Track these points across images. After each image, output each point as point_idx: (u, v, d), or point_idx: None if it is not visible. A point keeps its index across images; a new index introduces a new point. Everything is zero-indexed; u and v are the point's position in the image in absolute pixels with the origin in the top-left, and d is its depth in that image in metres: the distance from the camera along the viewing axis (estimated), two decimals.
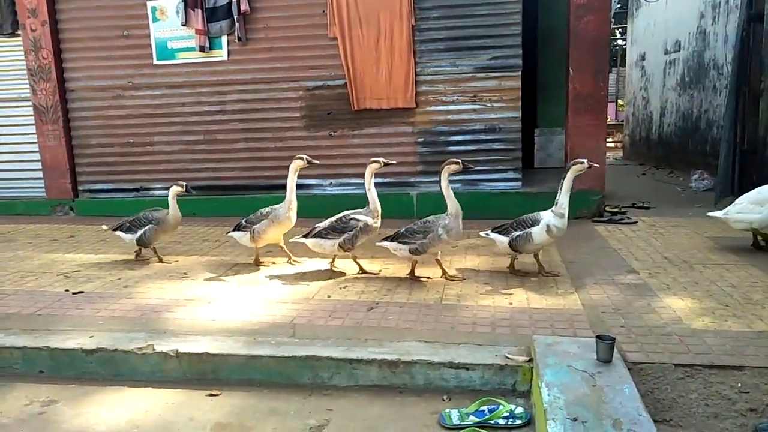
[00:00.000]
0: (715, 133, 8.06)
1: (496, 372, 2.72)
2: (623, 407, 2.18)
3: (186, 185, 4.48)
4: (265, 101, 6.28)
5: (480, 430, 2.38)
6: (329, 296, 3.67)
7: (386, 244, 4.02)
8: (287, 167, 6.27)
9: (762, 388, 2.48)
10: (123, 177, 6.71)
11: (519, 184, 6.01)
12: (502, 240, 3.95)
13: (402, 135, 6.07)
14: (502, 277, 3.98)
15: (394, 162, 4.44)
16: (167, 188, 4.58)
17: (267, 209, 4.35)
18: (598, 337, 2.58)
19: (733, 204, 4.44)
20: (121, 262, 4.66)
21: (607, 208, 5.99)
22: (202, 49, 6.22)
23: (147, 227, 4.44)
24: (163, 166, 6.58)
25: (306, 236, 4.15)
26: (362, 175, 6.09)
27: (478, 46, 5.78)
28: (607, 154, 12.59)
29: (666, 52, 10.15)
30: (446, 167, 3.88)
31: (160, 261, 4.59)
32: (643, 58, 11.57)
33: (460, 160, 3.92)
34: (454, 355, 2.79)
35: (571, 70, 5.61)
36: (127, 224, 4.53)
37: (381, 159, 4.17)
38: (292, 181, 4.29)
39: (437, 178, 5.99)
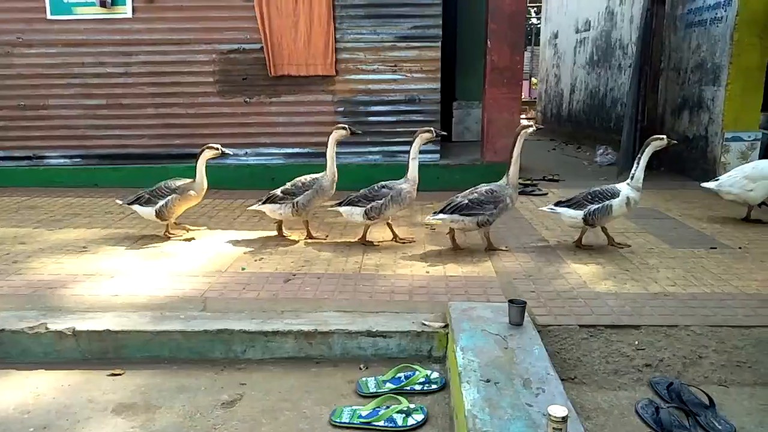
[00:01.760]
0: (619, 110, 8.50)
1: (413, 339, 2.74)
2: (533, 367, 2.26)
3: (220, 148, 4.09)
4: (175, 64, 5.91)
5: (396, 396, 2.39)
6: (244, 268, 3.54)
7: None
8: (200, 134, 6.04)
9: (656, 345, 2.66)
10: (13, 143, 6.11)
11: (437, 156, 6.07)
12: (575, 214, 3.78)
13: (322, 103, 5.93)
14: (420, 247, 4.01)
15: (444, 133, 4.51)
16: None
17: (306, 178, 4.08)
18: (510, 301, 2.65)
19: (726, 176, 4.62)
20: (10, 237, 4.26)
21: (520, 181, 6.17)
22: (103, 4, 5.73)
23: (169, 197, 3.99)
24: (60, 132, 6.05)
25: (340, 204, 3.97)
26: (281, 144, 6.00)
27: (399, 15, 5.71)
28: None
29: (577, 31, 10.55)
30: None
31: (187, 230, 4.29)
32: (556, 36, 11.96)
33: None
34: (372, 324, 2.78)
35: (488, 43, 5.68)
36: (147, 196, 4.06)
37: (433, 129, 3.98)
38: (332, 150, 4.08)
39: (357, 149, 6.03)
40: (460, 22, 7.71)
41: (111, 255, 3.80)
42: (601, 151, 8.05)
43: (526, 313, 2.68)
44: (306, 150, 5.91)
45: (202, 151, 4.09)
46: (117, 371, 2.62)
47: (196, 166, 4.08)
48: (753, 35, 5.86)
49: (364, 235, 4.04)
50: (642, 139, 6.89)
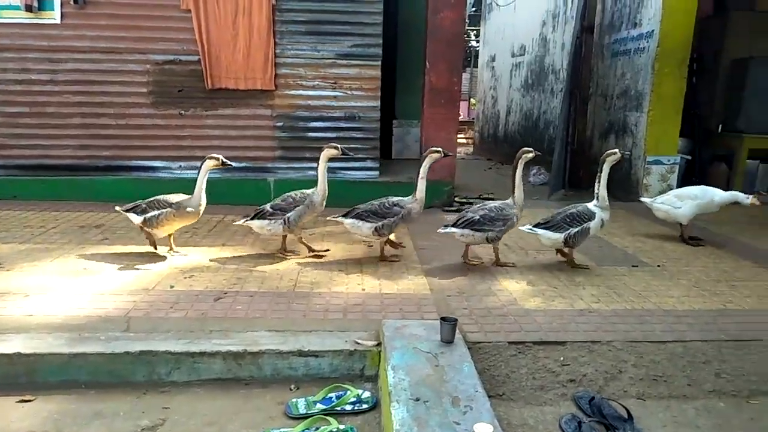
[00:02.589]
0: (551, 132, 8.86)
1: (346, 358, 2.72)
2: (462, 385, 2.28)
3: (221, 158, 3.88)
4: (105, 73, 5.68)
5: (326, 417, 2.36)
6: (172, 286, 3.41)
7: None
8: (131, 146, 5.82)
9: (580, 360, 2.75)
10: None
11: (377, 173, 6.10)
12: (555, 236, 3.86)
13: (260, 118, 5.85)
14: (356, 264, 4.00)
15: (451, 153, 4.56)
16: None
17: (297, 194, 4.00)
18: (442, 319, 2.68)
19: (663, 194, 4.90)
20: None
21: (456, 199, 6.31)
22: (28, 8, 5.46)
23: (164, 210, 3.81)
24: None
25: (345, 216, 3.93)
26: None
27: (339, 32, 5.74)
28: (459, 149, 13.41)
29: (513, 55, 10.95)
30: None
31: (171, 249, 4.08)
32: (493, 59, 12.37)
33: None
34: (304, 343, 2.74)
35: (427, 63, 5.80)
36: (144, 205, 3.89)
37: (440, 149, 4.00)
38: (323, 167, 3.99)
39: (295, 165, 5.98)
40: (400, 42, 7.84)
41: (28, 272, 3.58)
42: (534, 171, 8.35)
43: (457, 331, 2.71)
44: (243, 164, 5.80)
45: (203, 162, 3.88)
46: (27, 398, 2.46)
47: (196, 180, 3.88)
48: (672, 65, 6.27)
49: (383, 253, 4.09)
50: (572, 161, 7.24)
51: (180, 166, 5.87)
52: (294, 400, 2.50)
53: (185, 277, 3.58)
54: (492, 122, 12.28)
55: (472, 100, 20.80)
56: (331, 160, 4.03)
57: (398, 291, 3.48)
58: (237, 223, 4.10)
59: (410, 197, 3.97)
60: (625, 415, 2.43)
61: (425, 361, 2.47)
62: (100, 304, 3.10)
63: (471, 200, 6.47)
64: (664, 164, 6.53)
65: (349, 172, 6.01)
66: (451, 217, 5.63)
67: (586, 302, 3.37)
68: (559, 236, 3.87)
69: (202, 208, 3.93)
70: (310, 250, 4.13)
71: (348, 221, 3.92)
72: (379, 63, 5.82)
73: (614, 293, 3.54)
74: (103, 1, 5.55)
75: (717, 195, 4.61)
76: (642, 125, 6.50)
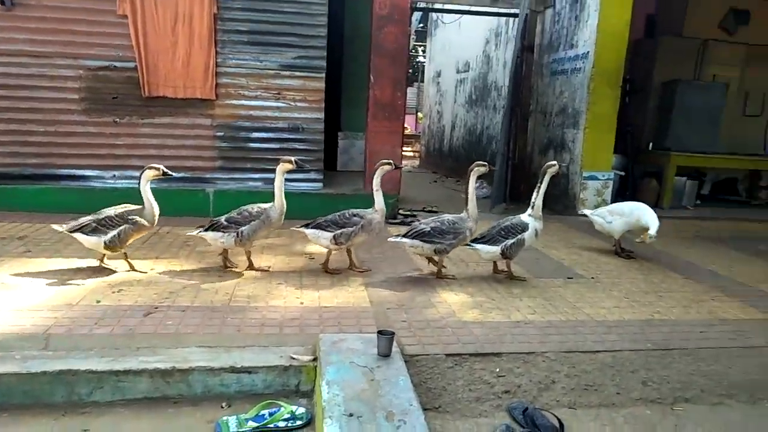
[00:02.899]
0: (494, 147, 9.06)
1: (280, 373, 2.65)
2: (397, 399, 2.26)
3: (162, 168, 3.75)
4: (33, 77, 5.41)
5: None
6: (99, 301, 3.25)
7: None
8: (60, 154, 5.55)
9: (515, 371, 2.79)
10: None
11: (321, 185, 6.06)
12: (493, 249, 3.92)
13: (199, 127, 5.71)
14: (296, 277, 3.94)
15: (399, 166, 4.45)
16: None
17: (253, 208, 3.87)
18: (379, 332, 2.66)
19: (600, 208, 5.04)
20: None
21: (401, 211, 6.35)
22: None
23: (122, 228, 3.65)
24: None
25: (307, 226, 3.93)
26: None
27: (283, 44, 5.69)
28: (406, 162, 13.54)
29: (458, 71, 11.18)
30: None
31: (131, 268, 3.87)
32: (439, 75, 12.60)
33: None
34: (237, 359, 2.65)
35: (372, 78, 5.82)
36: (93, 224, 3.66)
37: (391, 161, 4.04)
38: (279, 181, 3.87)
39: (237, 175, 5.86)
40: (345, 55, 7.86)
41: None
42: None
43: (395, 344, 2.70)
44: (181, 174, 5.63)
45: (143, 172, 3.76)
46: None
47: (140, 192, 3.77)
48: (605, 86, 6.56)
49: (326, 262, 4.06)
50: (513, 175, 7.42)
51: (114, 175, 5.65)
52: (225, 418, 2.41)
53: (113, 292, 3.42)
54: (438, 136, 12.47)
55: (419, 113, 21.09)
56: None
57: (337, 304, 3.44)
58: (190, 234, 3.96)
59: (371, 209, 3.99)
60: (557, 425, 2.47)
61: (361, 376, 2.44)
62: (16, 320, 2.90)
63: (415, 213, 6.52)
64: (600, 179, 6.79)
65: (293, 184, 5.91)
66: (395, 230, 5.66)
67: (523, 314, 3.43)
68: (496, 249, 3.94)
69: (157, 217, 3.84)
70: (251, 266, 4.03)
71: (309, 231, 3.94)
72: (323, 75, 5.81)
73: (550, 305, 3.62)
74: (34, 3, 5.30)
75: (643, 216, 4.73)
76: (579, 142, 6.75)
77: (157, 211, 3.83)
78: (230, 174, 5.82)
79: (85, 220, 3.71)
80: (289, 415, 2.44)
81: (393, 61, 5.83)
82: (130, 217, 3.73)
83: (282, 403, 2.50)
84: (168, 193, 5.58)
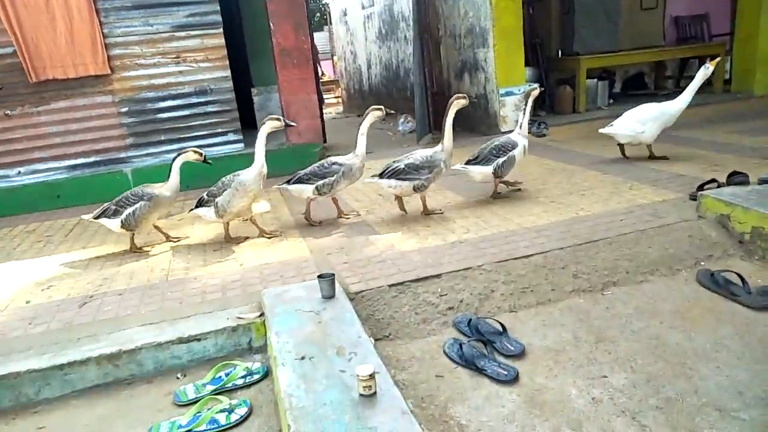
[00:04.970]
0: (411, 80, 9.04)
1: (230, 335, 2.66)
2: (345, 334, 2.33)
3: (204, 154, 3.74)
4: None
5: (217, 396, 2.32)
6: (28, 301, 3.12)
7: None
8: None
9: (456, 288, 2.92)
10: None
11: (242, 145, 5.91)
12: (485, 170, 4.02)
13: (101, 106, 5.39)
14: (232, 242, 3.89)
15: (392, 112, 4.37)
16: None
17: (227, 178, 3.70)
18: (319, 276, 2.70)
19: (618, 120, 4.88)
20: None
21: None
22: None
23: (137, 205, 3.61)
24: None
25: (289, 182, 3.91)
26: (60, 157, 5.36)
27: (171, 3, 5.36)
28: (330, 109, 13.33)
29: (363, 7, 10.93)
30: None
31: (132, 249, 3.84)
32: (345, 13, 12.27)
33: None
34: (183, 330, 2.64)
35: (272, 25, 5.62)
36: (113, 207, 3.66)
37: (382, 107, 3.99)
38: (262, 143, 3.71)
39: (152, 150, 5.62)
40: (243, 7, 7.51)
41: None
42: (402, 120, 8.52)
43: (337, 285, 2.75)
44: (92, 159, 5.37)
45: (181, 153, 3.73)
46: None
47: (170, 168, 3.72)
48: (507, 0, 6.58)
49: (308, 211, 4.08)
50: (435, 104, 7.46)
51: (19, 172, 5.30)
52: (182, 387, 2.43)
53: (42, 289, 3.29)
54: (356, 78, 12.29)
55: (335, 58, 20.60)
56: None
57: (277, 260, 3.44)
58: (186, 213, 3.86)
59: (351, 154, 3.97)
60: (500, 329, 2.62)
61: (308, 320, 2.49)
62: None
63: None
64: (517, 94, 6.93)
65: (212, 149, 5.76)
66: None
67: (457, 234, 3.55)
68: (488, 168, 4.05)
69: (177, 191, 3.80)
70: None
71: (292, 187, 3.93)
72: (221, 30, 5.55)
73: (482, 221, 3.76)
74: None
75: (672, 108, 4.79)
76: (491, 60, 6.81)
77: (177, 185, 3.77)
78: (145, 150, 5.57)
79: (107, 204, 3.72)
80: (245, 372, 2.47)
81: (290, 3, 5.61)
82: (145, 193, 3.66)
83: (237, 363, 2.53)
84: (81, 181, 5.34)
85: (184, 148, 5.60)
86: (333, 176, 3.88)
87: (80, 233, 4.44)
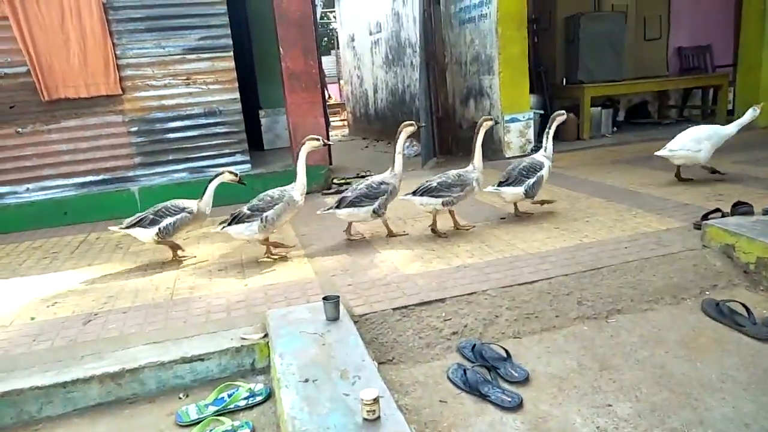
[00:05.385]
0: (417, 105, 9.14)
1: (233, 355, 2.66)
2: (349, 357, 2.33)
3: (239, 176, 3.89)
4: None
5: (219, 417, 2.31)
6: (33, 318, 3.13)
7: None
8: None
9: (460, 313, 2.91)
10: None
11: (249, 166, 5.96)
12: (517, 191, 4.12)
13: (111, 125, 5.46)
14: (237, 263, 3.91)
15: (423, 125, 4.44)
16: None
17: (275, 192, 3.77)
18: (324, 298, 2.71)
19: (673, 142, 4.91)
20: None
21: (334, 181, 6.35)
22: None
23: (179, 216, 3.76)
24: None
25: (338, 207, 3.90)
26: (69, 174, 5.41)
27: (183, 26, 5.47)
28: (336, 132, 13.46)
29: (370, 33, 11.10)
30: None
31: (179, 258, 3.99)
32: (353, 39, 12.46)
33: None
34: (187, 349, 2.64)
35: (281, 50, 5.71)
36: (151, 216, 3.75)
37: (414, 122, 4.11)
38: (302, 161, 3.80)
39: (159, 169, 5.67)
40: (253, 30, 7.65)
41: None
42: (407, 144, 8.58)
43: (342, 307, 2.76)
44: (101, 177, 5.42)
45: (219, 173, 3.89)
46: None
47: (206, 188, 3.88)
48: (512, 28, 6.70)
49: (390, 230, 4.16)
50: (440, 129, 7.54)
51: (27, 188, 5.35)
52: (184, 408, 2.42)
53: (48, 306, 3.30)
54: (362, 101, 12.42)
55: (341, 81, 20.85)
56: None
57: (282, 280, 3.45)
58: (214, 231, 3.83)
59: (389, 172, 4.04)
60: (504, 355, 2.61)
61: (312, 342, 2.49)
62: None
63: (349, 180, 6.54)
64: (521, 120, 7.00)
65: (219, 170, 5.77)
66: (331, 200, 5.68)
67: (462, 259, 3.56)
68: (519, 189, 4.14)
69: (209, 212, 3.97)
70: (270, 252, 3.90)
71: (343, 211, 3.92)
72: (231, 53, 5.65)
73: (486, 246, 3.77)
74: None
75: (723, 130, 4.87)
76: (496, 87, 6.91)
77: (210, 204, 3.92)
78: (152, 169, 5.63)
79: (141, 214, 3.80)
80: (248, 393, 2.47)
81: (300, 28, 5.72)
82: (186, 206, 3.80)
83: (240, 384, 2.53)
84: (89, 198, 5.39)
85: (191, 167, 5.73)
86: (384, 195, 3.94)
87: (86, 250, 4.47)
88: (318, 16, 8.09)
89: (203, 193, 3.87)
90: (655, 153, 5.02)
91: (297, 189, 3.80)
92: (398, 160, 4.04)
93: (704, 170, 5.06)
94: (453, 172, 4.07)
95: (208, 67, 5.60)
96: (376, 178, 4.04)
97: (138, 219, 3.78)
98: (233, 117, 5.79)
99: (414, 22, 8.82)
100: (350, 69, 13.06)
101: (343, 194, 3.99)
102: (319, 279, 3.42)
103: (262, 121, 7.74)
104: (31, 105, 5.22)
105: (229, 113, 5.77)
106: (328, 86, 14.35)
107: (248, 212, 3.71)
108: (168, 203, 3.85)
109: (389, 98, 10.61)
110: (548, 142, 4.34)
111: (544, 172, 4.23)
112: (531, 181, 4.15)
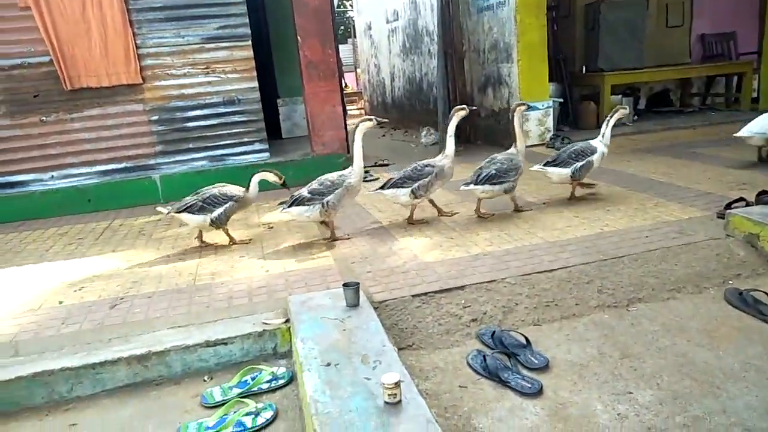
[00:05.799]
0: (435, 93, 9.10)
1: (256, 340, 2.71)
2: (370, 342, 2.36)
3: (283, 177, 4.01)
4: None
5: (243, 399, 2.35)
6: (61, 302, 3.21)
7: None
8: None
9: (479, 300, 2.93)
10: None
11: (267, 155, 6.00)
12: (564, 172, 4.18)
13: (132, 114, 5.53)
14: (258, 249, 3.95)
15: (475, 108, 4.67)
16: None
17: (332, 176, 3.86)
18: (344, 284, 2.73)
19: (752, 123, 4.90)
20: None
21: None
22: None
23: (227, 205, 3.88)
24: None
25: (383, 188, 4.02)
26: (92, 162, 5.50)
27: (202, 15, 5.51)
28: (352, 121, 13.43)
29: (387, 21, 11.05)
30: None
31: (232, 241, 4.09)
32: (369, 27, 12.42)
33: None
34: (210, 333, 2.69)
35: (299, 39, 5.72)
36: (200, 203, 3.85)
37: (465, 107, 4.17)
38: (359, 144, 3.85)
39: (180, 158, 5.74)
40: (271, 20, 7.66)
41: None
42: (425, 132, 8.57)
43: (361, 293, 2.78)
44: (123, 165, 5.50)
45: (262, 170, 4.03)
46: None
47: (251, 180, 3.98)
48: (531, 16, 6.63)
49: (412, 215, 4.19)
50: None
51: (52, 176, 5.45)
52: (209, 390, 2.47)
53: (75, 290, 3.38)
54: (379, 90, 12.40)
55: (358, 70, 20.80)
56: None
57: (302, 267, 3.49)
58: (274, 213, 3.96)
59: (440, 155, 4.11)
60: (524, 342, 2.63)
61: (333, 328, 2.52)
62: None
63: (367, 169, 6.55)
64: (540, 109, 6.95)
65: (238, 158, 5.87)
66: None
67: (481, 247, 3.56)
68: (567, 171, 4.21)
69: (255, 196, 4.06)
70: (333, 236, 3.98)
71: (387, 192, 4.02)
72: (250, 43, 5.67)
73: (506, 234, 3.77)
74: None
75: None
76: (514, 75, 6.85)
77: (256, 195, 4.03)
78: (173, 157, 5.70)
79: (190, 200, 3.87)
80: (270, 377, 2.51)
81: (317, 17, 5.72)
82: (233, 195, 3.91)
83: (263, 367, 2.57)
84: (112, 186, 5.48)
85: (211, 156, 5.78)
86: (427, 177, 3.98)
87: (110, 237, 4.55)
88: (335, 4, 8.06)
89: (248, 185, 3.97)
90: (734, 135, 5.04)
91: (355, 173, 3.85)
92: (450, 142, 4.10)
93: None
94: (501, 157, 4.10)
95: (227, 56, 5.63)
96: (424, 162, 4.10)
97: (187, 205, 3.85)
98: (252, 106, 5.83)
99: (431, 9, 8.76)
100: (367, 57, 13.03)
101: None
102: (339, 266, 3.45)
103: (281, 110, 7.77)
104: (54, 94, 5.30)
105: (247, 102, 5.80)
106: (345, 75, 14.33)
107: (308, 195, 3.77)
108: (214, 190, 3.91)
109: (406, 86, 10.58)
110: (607, 129, 4.38)
111: (595, 157, 4.27)
112: (579, 164, 4.21)
